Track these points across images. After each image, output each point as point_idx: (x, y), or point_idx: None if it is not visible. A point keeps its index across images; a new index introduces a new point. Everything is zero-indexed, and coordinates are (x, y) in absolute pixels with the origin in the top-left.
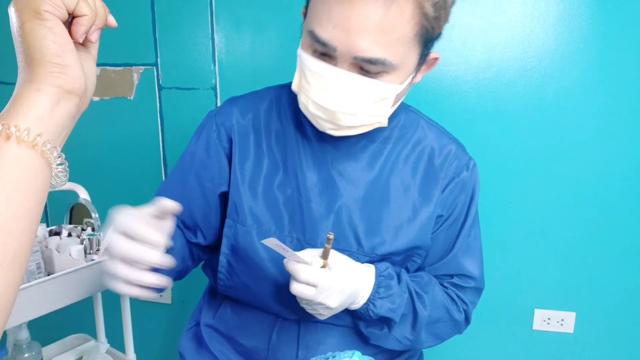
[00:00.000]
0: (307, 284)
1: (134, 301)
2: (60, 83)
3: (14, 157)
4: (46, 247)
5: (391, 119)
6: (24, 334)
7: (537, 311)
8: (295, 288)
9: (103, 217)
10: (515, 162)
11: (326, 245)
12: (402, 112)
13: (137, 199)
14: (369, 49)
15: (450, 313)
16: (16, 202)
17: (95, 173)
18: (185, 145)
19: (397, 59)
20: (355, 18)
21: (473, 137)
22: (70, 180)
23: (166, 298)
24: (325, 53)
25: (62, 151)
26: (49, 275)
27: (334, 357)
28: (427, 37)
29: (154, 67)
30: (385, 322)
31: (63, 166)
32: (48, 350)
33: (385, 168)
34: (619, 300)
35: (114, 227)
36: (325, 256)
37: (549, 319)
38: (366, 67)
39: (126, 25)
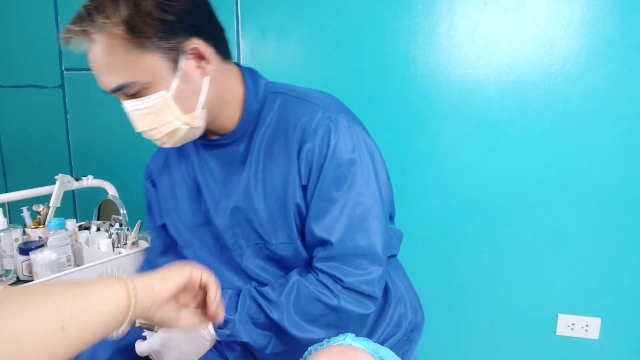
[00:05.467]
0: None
1: None
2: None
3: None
4: (76, 240)
5: (260, 111)
6: None
7: (560, 316)
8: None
9: (130, 213)
10: (538, 165)
11: None
12: (270, 101)
13: None
14: (109, 82)
15: (323, 302)
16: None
17: (123, 170)
18: None
19: (138, 77)
20: (92, 65)
21: (495, 140)
22: (99, 177)
23: None
24: None
25: (93, 150)
26: (78, 267)
27: (328, 342)
28: (148, 45)
29: None
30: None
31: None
32: None
33: (257, 162)
34: None
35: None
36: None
37: (573, 324)
38: (124, 92)
39: None
